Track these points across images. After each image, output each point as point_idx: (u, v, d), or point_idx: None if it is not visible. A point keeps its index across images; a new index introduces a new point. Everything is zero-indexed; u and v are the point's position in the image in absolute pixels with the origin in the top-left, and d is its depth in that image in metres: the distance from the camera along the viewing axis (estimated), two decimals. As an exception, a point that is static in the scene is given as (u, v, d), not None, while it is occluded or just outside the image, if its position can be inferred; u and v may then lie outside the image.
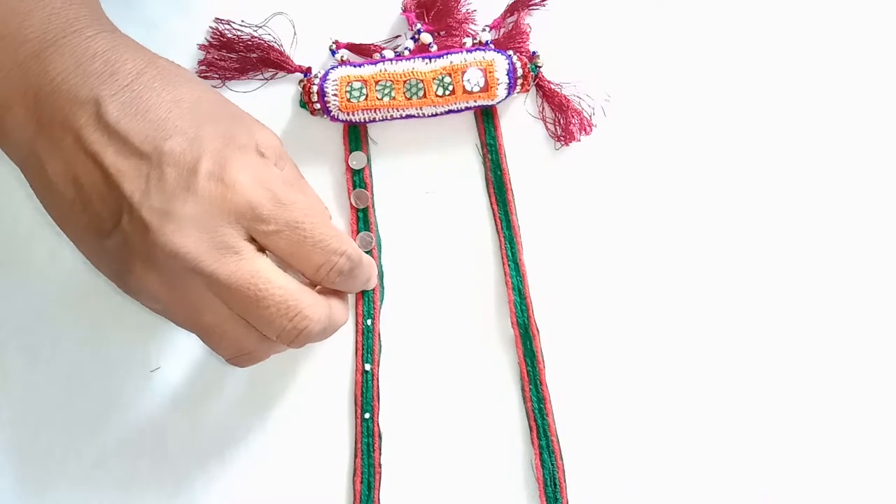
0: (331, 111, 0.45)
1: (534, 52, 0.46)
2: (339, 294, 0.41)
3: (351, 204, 0.45)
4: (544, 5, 0.47)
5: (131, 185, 0.35)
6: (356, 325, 0.44)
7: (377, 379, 0.43)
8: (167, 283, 0.36)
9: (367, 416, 0.43)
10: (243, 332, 0.37)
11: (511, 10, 0.47)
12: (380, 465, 0.42)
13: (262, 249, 0.37)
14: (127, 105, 0.36)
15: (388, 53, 0.46)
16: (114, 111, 0.36)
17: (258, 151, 0.38)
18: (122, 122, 0.36)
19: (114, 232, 0.36)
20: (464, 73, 0.45)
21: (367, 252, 0.44)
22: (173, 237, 0.35)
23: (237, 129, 0.38)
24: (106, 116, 0.36)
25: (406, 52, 0.46)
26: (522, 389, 0.42)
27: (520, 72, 0.45)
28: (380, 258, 0.45)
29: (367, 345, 0.43)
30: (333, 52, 0.46)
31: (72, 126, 0.36)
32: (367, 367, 0.43)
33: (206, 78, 0.47)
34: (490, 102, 0.45)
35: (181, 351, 0.44)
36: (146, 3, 0.48)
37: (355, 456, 0.42)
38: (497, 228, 0.45)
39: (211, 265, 0.35)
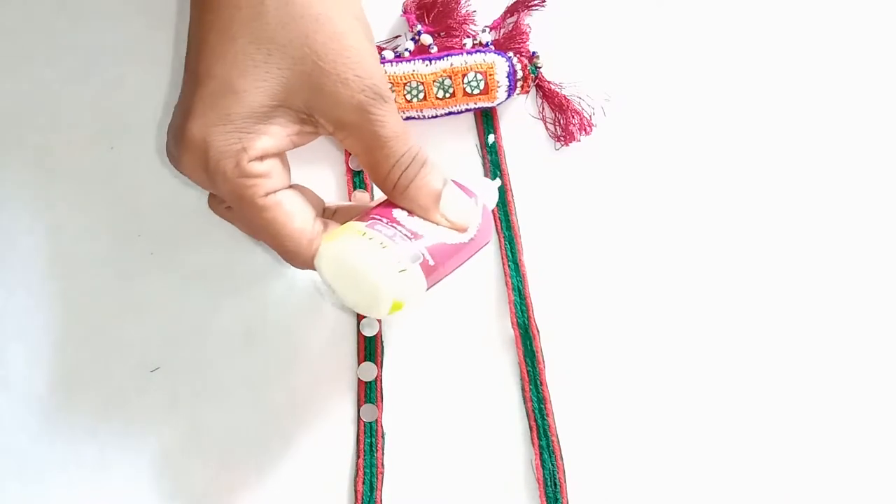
0: (331, 112, 0.45)
1: (534, 53, 0.46)
2: None
3: (351, 204, 0.45)
4: (544, 6, 0.48)
5: None
6: (358, 326, 0.44)
7: (380, 380, 0.43)
8: None
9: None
10: None
11: (511, 11, 0.47)
12: (382, 465, 0.42)
13: None
14: None
15: (388, 54, 0.46)
16: None
17: None
18: None
19: None
20: (464, 75, 0.45)
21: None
22: None
23: None
24: None
25: (406, 53, 0.46)
26: (522, 389, 0.42)
27: (520, 74, 0.45)
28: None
29: (370, 346, 0.43)
30: (333, 53, 0.46)
31: None
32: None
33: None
34: (490, 104, 0.45)
35: (181, 351, 0.44)
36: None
37: (357, 456, 0.42)
38: (497, 228, 0.45)
39: None
